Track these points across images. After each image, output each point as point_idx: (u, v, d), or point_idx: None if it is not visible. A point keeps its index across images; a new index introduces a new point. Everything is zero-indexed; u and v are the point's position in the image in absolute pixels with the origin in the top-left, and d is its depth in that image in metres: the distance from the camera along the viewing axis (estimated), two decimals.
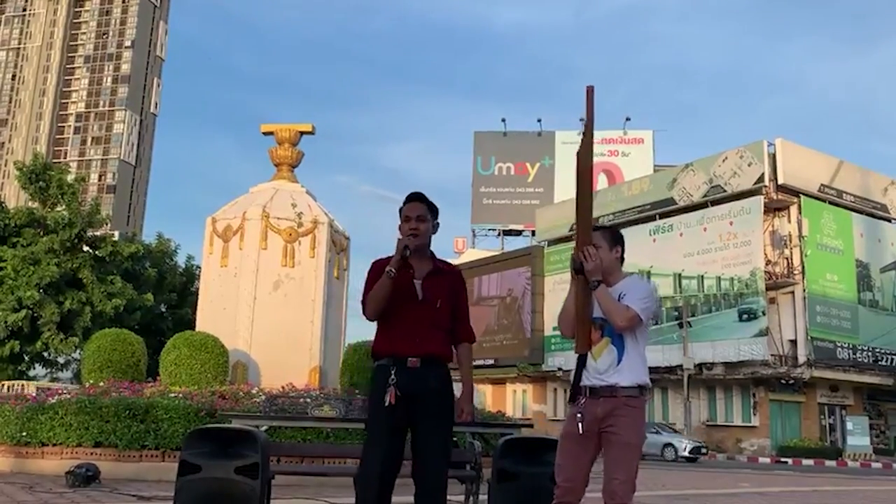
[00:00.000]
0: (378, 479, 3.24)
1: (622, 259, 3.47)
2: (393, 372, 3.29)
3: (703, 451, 25.84)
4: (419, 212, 3.46)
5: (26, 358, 24.18)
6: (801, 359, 30.25)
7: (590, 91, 3.34)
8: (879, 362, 31.88)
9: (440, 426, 3.33)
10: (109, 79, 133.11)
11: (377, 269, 3.43)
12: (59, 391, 10.52)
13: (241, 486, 4.04)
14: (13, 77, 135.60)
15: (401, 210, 3.51)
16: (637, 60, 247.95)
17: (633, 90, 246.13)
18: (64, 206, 23.50)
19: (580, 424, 3.23)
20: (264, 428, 6.21)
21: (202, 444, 4.12)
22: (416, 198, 3.52)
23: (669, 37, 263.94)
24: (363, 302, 3.43)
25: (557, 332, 31.67)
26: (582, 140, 3.40)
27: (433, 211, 3.52)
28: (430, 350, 3.36)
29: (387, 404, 3.24)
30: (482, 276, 43.19)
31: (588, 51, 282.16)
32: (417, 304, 3.39)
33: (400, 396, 3.25)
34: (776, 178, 31.39)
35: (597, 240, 3.36)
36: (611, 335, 3.29)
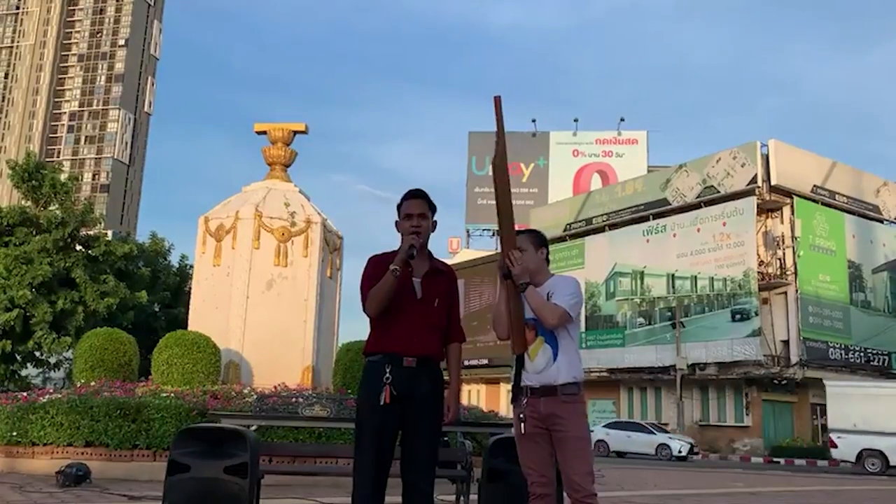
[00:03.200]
0: (373, 482, 3.21)
1: (548, 259, 3.58)
2: (388, 370, 3.23)
3: (696, 451, 26.53)
4: (421, 209, 3.42)
5: (18, 358, 24.08)
6: (794, 359, 30.36)
7: (497, 101, 3.42)
8: (871, 363, 32.01)
9: (431, 428, 3.31)
10: (103, 78, 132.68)
11: (374, 265, 3.39)
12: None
13: (231, 485, 4.03)
14: (6, 75, 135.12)
15: (399, 206, 3.46)
16: (632, 60, 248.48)
17: (628, 90, 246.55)
18: (57, 206, 23.38)
19: (523, 425, 3.30)
20: (254, 427, 6.20)
21: (191, 444, 4.10)
22: (417, 195, 3.47)
23: (665, 37, 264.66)
24: (363, 299, 3.37)
25: None
26: (496, 149, 3.47)
27: (432, 208, 3.49)
28: (426, 350, 3.33)
29: (382, 403, 3.19)
30: (476, 277, 43.19)
31: (583, 51, 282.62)
32: (415, 302, 3.35)
33: (395, 396, 3.20)
34: (769, 179, 31.51)
35: (522, 243, 3.46)
36: (544, 334, 3.36)
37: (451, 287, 3.51)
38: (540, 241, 3.56)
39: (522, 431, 3.30)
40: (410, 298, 3.35)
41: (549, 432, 3.29)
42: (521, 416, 3.31)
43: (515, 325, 3.34)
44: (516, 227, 3.47)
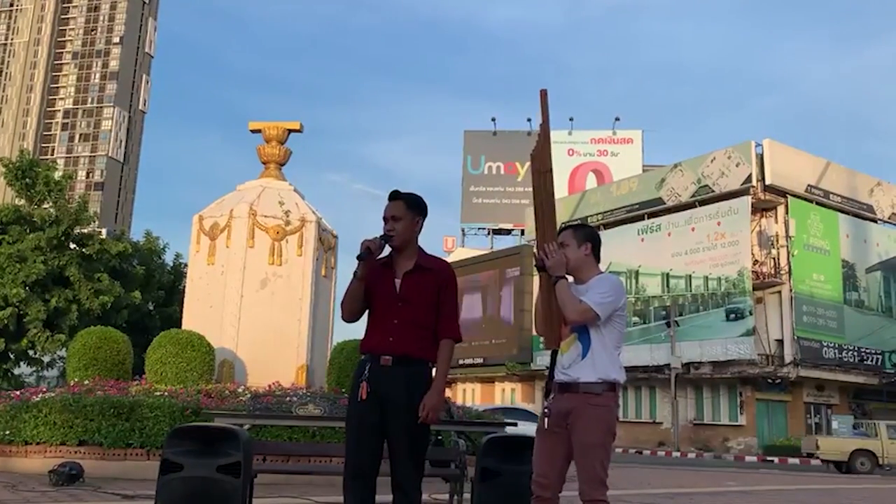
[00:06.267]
0: (352, 478, 3.25)
1: (597, 257, 3.45)
2: (367, 369, 3.31)
3: None
4: (393, 211, 3.43)
5: (11, 356, 24.01)
6: (788, 358, 30.45)
7: (543, 94, 3.41)
8: (865, 362, 32.11)
9: (405, 427, 3.30)
10: (98, 75, 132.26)
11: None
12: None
13: (223, 484, 4.02)
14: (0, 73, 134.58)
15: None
16: (628, 59, 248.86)
17: (623, 89, 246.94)
18: (51, 204, 23.31)
19: (546, 420, 3.27)
20: (248, 426, 6.19)
21: (184, 443, 4.10)
22: (391, 196, 3.49)
23: (660, 35, 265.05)
24: (342, 304, 3.46)
25: None
26: (538, 142, 3.45)
27: (412, 206, 3.46)
28: (402, 349, 3.33)
29: (359, 399, 3.28)
30: (472, 275, 43.21)
31: (579, 49, 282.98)
32: (395, 302, 3.37)
33: (371, 393, 3.26)
34: (764, 179, 31.58)
35: (565, 238, 3.39)
36: (578, 330, 3.28)
37: (438, 283, 3.46)
38: (585, 236, 3.44)
39: (545, 426, 3.27)
40: (391, 298, 3.38)
41: (568, 431, 3.26)
42: (546, 410, 3.30)
43: (549, 320, 3.30)
44: (525, 226, 3.42)
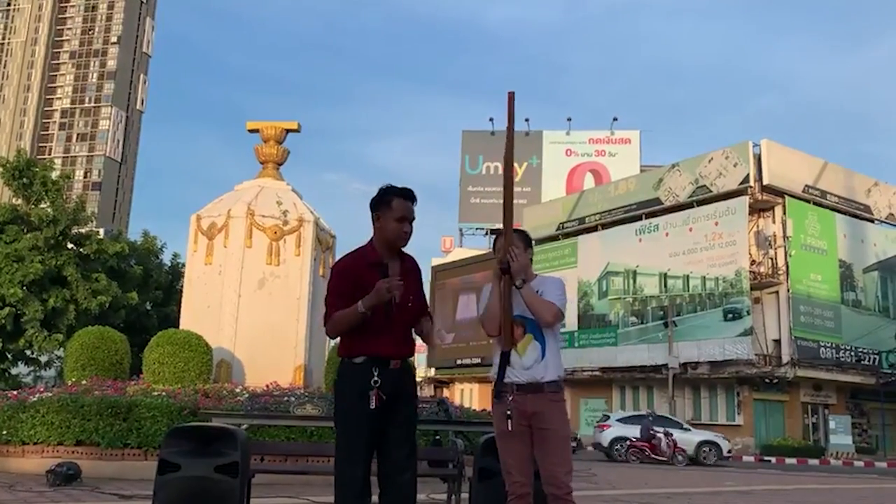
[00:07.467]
0: (365, 483, 3.20)
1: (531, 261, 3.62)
2: (376, 374, 3.19)
3: None
4: (414, 214, 3.35)
5: (9, 356, 23.98)
6: (785, 358, 30.48)
7: (511, 97, 3.45)
8: (862, 362, 32.16)
9: (410, 430, 3.31)
10: (95, 75, 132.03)
11: (340, 275, 3.31)
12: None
13: (221, 484, 4.01)
14: None
15: (387, 201, 3.30)
16: (626, 58, 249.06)
17: (622, 89, 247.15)
18: (48, 203, 23.28)
19: (509, 422, 3.31)
20: (245, 426, 6.19)
21: (181, 443, 4.09)
22: (414, 196, 3.36)
23: (658, 35, 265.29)
24: (327, 314, 3.29)
25: None
26: (507, 148, 3.53)
27: None
28: (408, 351, 3.36)
29: (372, 407, 3.15)
30: (468, 276, 43.15)
31: (577, 49, 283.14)
32: (396, 307, 3.30)
33: (383, 399, 3.19)
34: (761, 179, 31.63)
35: (514, 242, 3.47)
36: (533, 331, 3.38)
37: (418, 278, 3.48)
38: (528, 241, 3.61)
39: (509, 428, 3.31)
40: (389, 303, 3.28)
41: (531, 430, 3.32)
42: (508, 412, 3.32)
43: (506, 322, 3.35)
44: (519, 226, 3.49)
